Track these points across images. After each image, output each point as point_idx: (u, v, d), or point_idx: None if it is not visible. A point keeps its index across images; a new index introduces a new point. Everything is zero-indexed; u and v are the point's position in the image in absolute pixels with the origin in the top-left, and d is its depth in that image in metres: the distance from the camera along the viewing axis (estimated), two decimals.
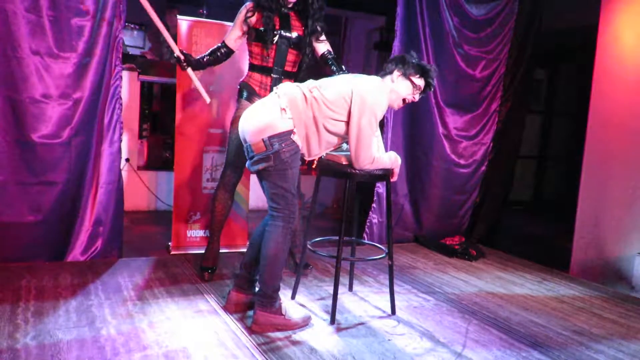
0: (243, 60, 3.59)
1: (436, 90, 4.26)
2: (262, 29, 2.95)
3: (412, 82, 2.54)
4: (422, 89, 2.59)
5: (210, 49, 3.09)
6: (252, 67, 3.08)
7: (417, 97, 2.61)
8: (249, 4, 3.00)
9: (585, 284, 3.61)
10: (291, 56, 3.05)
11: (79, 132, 3.16)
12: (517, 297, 3.22)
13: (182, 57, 3.00)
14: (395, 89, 2.55)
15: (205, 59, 3.06)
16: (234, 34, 3.05)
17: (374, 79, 2.56)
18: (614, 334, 2.75)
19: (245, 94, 3.06)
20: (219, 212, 3.13)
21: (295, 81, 2.89)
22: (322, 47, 3.15)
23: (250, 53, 3.07)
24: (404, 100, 2.59)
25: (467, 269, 3.78)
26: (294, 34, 3.02)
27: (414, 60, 2.56)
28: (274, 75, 3.03)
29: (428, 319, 2.77)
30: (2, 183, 3.02)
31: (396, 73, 2.55)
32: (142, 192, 4.95)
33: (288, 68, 3.06)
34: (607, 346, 2.59)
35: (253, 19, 2.97)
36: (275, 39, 2.97)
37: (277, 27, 2.98)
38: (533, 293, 3.33)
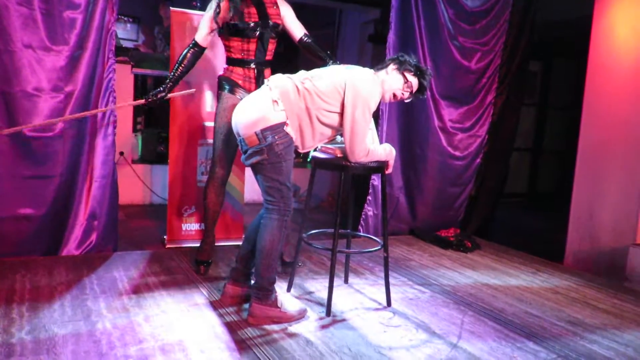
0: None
1: (431, 83, 4.24)
2: (238, 23, 2.88)
3: (404, 77, 2.56)
4: (413, 88, 2.60)
5: (181, 56, 2.90)
6: (232, 62, 3.00)
7: (406, 96, 2.61)
8: None
9: (579, 275, 3.63)
10: (271, 45, 3.03)
11: (72, 125, 3.14)
12: (512, 289, 3.23)
13: (164, 95, 2.88)
14: (387, 80, 2.56)
15: (179, 72, 2.89)
16: (203, 31, 2.90)
17: (366, 70, 2.56)
18: (608, 324, 2.77)
19: (227, 87, 3.00)
20: (212, 207, 3.11)
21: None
22: (299, 31, 3.07)
23: (228, 48, 2.99)
24: (394, 95, 2.59)
25: (462, 260, 3.80)
26: (272, 23, 2.97)
27: (412, 60, 2.58)
28: (256, 67, 2.99)
29: (423, 310, 2.78)
30: None
31: (392, 66, 2.57)
32: (137, 186, 4.94)
33: (268, 57, 3.04)
34: (601, 336, 2.61)
35: (227, 14, 2.86)
36: (257, 32, 2.92)
37: (257, 19, 2.92)
38: (528, 284, 3.35)
